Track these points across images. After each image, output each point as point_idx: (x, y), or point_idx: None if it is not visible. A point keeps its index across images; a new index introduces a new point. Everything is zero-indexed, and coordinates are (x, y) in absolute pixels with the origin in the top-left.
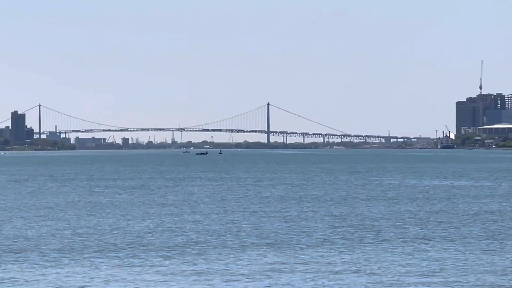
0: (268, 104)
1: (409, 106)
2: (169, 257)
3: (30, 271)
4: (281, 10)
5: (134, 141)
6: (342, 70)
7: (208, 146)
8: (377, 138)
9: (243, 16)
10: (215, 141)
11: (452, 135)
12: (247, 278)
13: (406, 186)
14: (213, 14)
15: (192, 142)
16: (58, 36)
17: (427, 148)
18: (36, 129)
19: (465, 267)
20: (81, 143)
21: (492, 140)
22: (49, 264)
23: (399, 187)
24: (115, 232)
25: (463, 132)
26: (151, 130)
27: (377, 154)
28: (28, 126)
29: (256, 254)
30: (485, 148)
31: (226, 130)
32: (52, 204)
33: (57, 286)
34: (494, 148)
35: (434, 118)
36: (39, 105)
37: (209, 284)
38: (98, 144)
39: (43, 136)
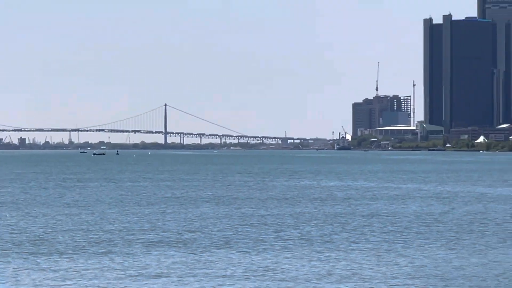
0: (165, 105)
1: (306, 107)
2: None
3: None
4: (176, 8)
5: (31, 141)
6: (238, 71)
7: (105, 147)
8: (274, 139)
9: (138, 14)
10: (112, 142)
11: (349, 137)
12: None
13: (304, 187)
14: (104, 13)
15: (89, 142)
16: None
17: (323, 149)
18: None
19: (361, 268)
20: None
21: (388, 142)
22: None
23: (297, 188)
24: None
25: (359, 133)
26: (47, 130)
27: (273, 155)
28: None
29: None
30: (382, 149)
31: (123, 131)
32: None
33: None
34: (390, 150)
35: (331, 119)
36: None
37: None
38: None
39: None
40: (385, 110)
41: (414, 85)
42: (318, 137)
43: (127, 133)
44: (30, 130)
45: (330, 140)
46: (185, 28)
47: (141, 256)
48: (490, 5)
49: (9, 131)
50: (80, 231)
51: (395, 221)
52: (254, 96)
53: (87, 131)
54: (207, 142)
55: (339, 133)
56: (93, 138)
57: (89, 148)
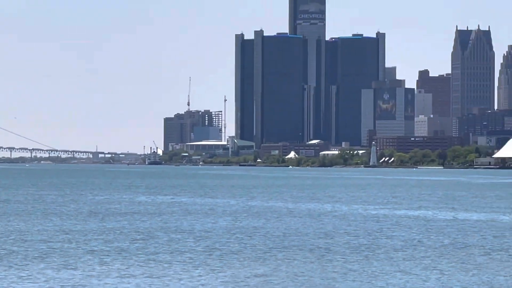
0: None
1: (117, 121)
2: None
3: None
4: None
5: None
6: (37, 82)
7: None
8: (85, 153)
9: None
10: None
11: (160, 151)
12: None
13: (115, 202)
14: None
15: None
16: None
17: (134, 164)
18: None
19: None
20: None
21: (199, 156)
22: None
23: (108, 203)
24: None
25: (170, 148)
26: None
27: (82, 170)
28: None
29: None
30: (193, 164)
31: None
32: None
33: None
34: (201, 165)
35: (143, 134)
36: None
37: None
38: None
39: None
40: (196, 125)
41: (225, 100)
42: (130, 151)
43: None
44: None
45: (141, 155)
46: None
47: None
48: (301, 21)
49: None
50: None
51: (177, 238)
52: (65, 110)
53: None
54: (17, 156)
55: (151, 147)
56: None
57: None
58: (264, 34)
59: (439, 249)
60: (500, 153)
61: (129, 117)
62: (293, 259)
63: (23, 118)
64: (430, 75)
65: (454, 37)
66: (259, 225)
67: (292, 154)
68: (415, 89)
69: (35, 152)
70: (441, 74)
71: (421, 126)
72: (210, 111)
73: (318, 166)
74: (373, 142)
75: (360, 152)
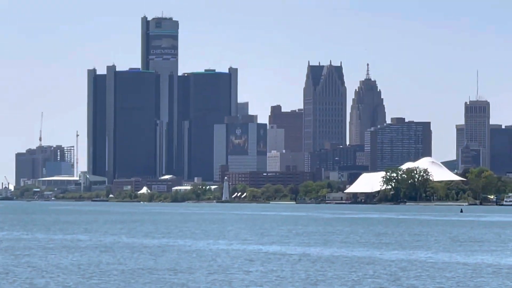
0: None
1: None
2: None
3: None
4: None
5: None
6: None
7: None
8: None
9: None
10: None
11: (12, 187)
12: None
13: None
14: None
15: None
16: None
17: None
18: None
19: None
20: None
21: (51, 192)
22: None
23: None
24: None
25: (22, 183)
26: None
27: None
28: None
29: None
30: (45, 200)
31: None
32: None
33: None
34: (53, 200)
35: None
36: None
37: None
38: None
39: None
40: (48, 160)
41: (77, 135)
42: None
43: None
44: None
45: None
46: None
47: None
48: (154, 57)
49: None
50: None
51: None
52: None
53: None
54: None
55: (2, 183)
56: None
57: None
58: (117, 69)
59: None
60: (352, 188)
61: None
62: None
63: None
64: (283, 110)
65: (306, 73)
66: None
67: (144, 190)
68: (268, 124)
69: None
70: (293, 109)
71: (274, 161)
72: (62, 146)
73: (171, 202)
74: (226, 177)
75: (213, 187)
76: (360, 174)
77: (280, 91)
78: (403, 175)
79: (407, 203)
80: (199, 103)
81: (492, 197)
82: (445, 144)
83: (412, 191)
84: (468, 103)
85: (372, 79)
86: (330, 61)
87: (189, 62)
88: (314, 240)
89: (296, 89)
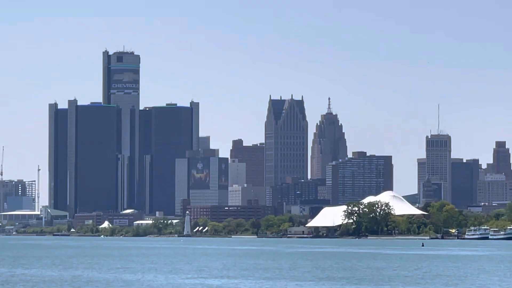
0: None
1: None
2: None
3: None
4: None
5: None
6: None
7: None
8: None
9: None
10: None
11: None
12: None
13: None
14: None
15: None
16: None
17: None
18: None
19: None
20: None
21: (12, 226)
22: None
23: None
24: None
25: None
26: None
27: None
28: None
29: None
30: (6, 234)
31: None
32: None
33: None
34: (14, 235)
35: None
36: None
37: None
38: None
39: None
40: (9, 195)
41: (39, 169)
42: None
43: None
44: None
45: None
46: None
47: None
48: (115, 91)
49: None
50: None
51: None
52: None
53: None
54: None
55: None
56: None
57: None
58: (78, 104)
59: None
60: (313, 222)
61: None
62: None
63: None
64: (244, 144)
65: (267, 107)
66: None
67: (106, 224)
68: (229, 158)
69: None
70: (255, 143)
71: (235, 196)
72: (24, 180)
73: (132, 236)
74: (187, 212)
75: (174, 221)
76: (322, 208)
77: (241, 125)
78: (365, 209)
79: (368, 237)
80: (161, 137)
81: (453, 231)
82: (406, 178)
83: (373, 225)
84: (429, 137)
85: (334, 113)
86: (292, 95)
87: (150, 96)
88: (274, 274)
89: (258, 123)
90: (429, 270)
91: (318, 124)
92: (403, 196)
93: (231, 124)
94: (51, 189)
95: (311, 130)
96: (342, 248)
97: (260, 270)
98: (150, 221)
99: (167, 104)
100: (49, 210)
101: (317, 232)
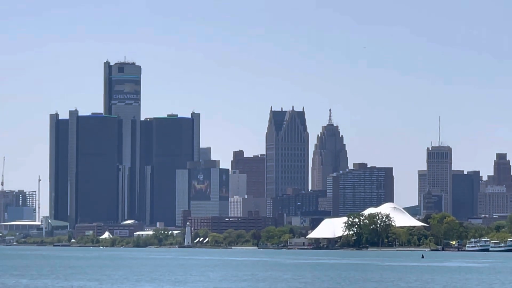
0: None
1: None
2: None
3: None
4: None
5: None
6: None
7: None
8: None
9: None
10: None
11: None
12: None
13: None
14: None
15: None
16: None
17: None
18: None
19: None
20: None
21: (13, 237)
22: None
23: None
24: None
25: None
26: None
27: None
28: None
29: None
30: (6, 245)
31: None
32: None
33: None
34: (15, 245)
35: None
36: None
37: None
38: None
39: None
40: (10, 205)
41: (39, 180)
42: None
43: None
44: None
45: None
46: None
47: None
48: (116, 102)
49: None
50: None
51: None
52: None
53: None
54: None
55: None
56: None
57: None
58: (79, 114)
59: None
60: (314, 234)
61: None
62: None
63: None
64: (245, 155)
65: (268, 118)
66: None
67: (106, 234)
68: (230, 169)
69: None
70: (256, 154)
71: (236, 207)
72: (24, 191)
73: (133, 247)
74: (188, 223)
75: (175, 232)
76: (322, 219)
77: (242, 136)
78: (365, 221)
79: (369, 249)
80: (162, 148)
81: (454, 243)
82: (407, 190)
83: (374, 236)
84: (430, 148)
85: (335, 125)
86: (293, 106)
87: (151, 107)
88: (276, 285)
89: (259, 135)
90: (426, 281)
91: (319, 135)
92: (403, 208)
93: (232, 135)
94: (51, 199)
95: (312, 142)
96: (342, 260)
97: (260, 281)
98: (151, 232)
99: (168, 115)
100: (49, 221)
101: (318, 244)
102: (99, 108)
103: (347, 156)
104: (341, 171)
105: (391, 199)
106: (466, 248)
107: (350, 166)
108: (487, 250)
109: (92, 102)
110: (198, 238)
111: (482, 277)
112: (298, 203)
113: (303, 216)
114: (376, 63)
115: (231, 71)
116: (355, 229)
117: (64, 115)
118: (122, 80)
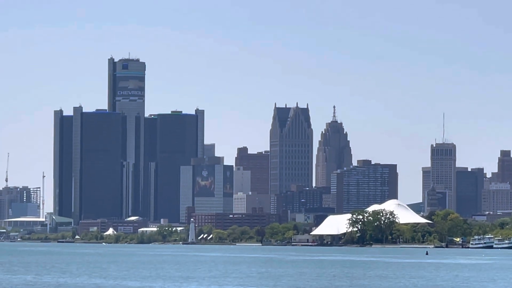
0: None
1: None
2: None
3: None
4: None
5: None
6: None
7: None
8: None
9: None
10: None
11: None
12: None
13: None
14: None
15: None
16: None
17: None
18: None
19: None
20: None
21: (17, 233)
22: None
23: None
24: None
25: None
26: None
27: None
28: None
29: None
30: (11, 241)
31: None
32: None
33: None
34: (19, 241)
35: None
36: None
37: None
38: None
39: None
40: (14, 201)
41: (44, 176)
42: None
43: None
44: None
45: None
46: None
47: None
48: (121, 98)
49: None
50: None
51: None
52: None
53: None
54: None
55: None
56: None
57: None
58: (83, 111)
59: None
60: (318, 230)
61: None
62: None
63: None
64: (249, 152)
65: (272, 115)
66: None
67: (110, 231)
68: (234, 166)
69: None
70: (260, 151)
71: (240, 203)
72: (29, 187)
73: (137, 243)
74: (192, 219)
75: (179, 229)
76: (326, 216)
77: (246, 132)
78: (369, 217)
79: (373, 245)
80: (166, 144)
81: (458, 239)
82: (411, 187)
83: (378, 233)
84: (434, 145)
85: (339, 121)
86: (297, 103)
87: (155, 104)
88: (280, 282)
89: (263, 131)
90: (430, 278)
91: (323, 132)
92: (407, 205)
93: (236, 131)
94: (56, 195)
95: (316, 138)
96: (346, 256)
97: (265, 277)
98: (155, 229)
99: (172, 112)
100: (53, 217)
101: (322, 240)
102: (103, 105)
103: (351, 152)
104: (345, 168)
105: (395, 196)
106: (470, 245)
107: (354, 163)
108: (491, 247)
109: (96, 99)
110: (202, 235)
111: (481, 274)
112: (302, 200)
113: (307, 213)
114: (381, 60)
115: (235, 68)
116: (359, 226)
117: (68, 112)
118: (126, 77)
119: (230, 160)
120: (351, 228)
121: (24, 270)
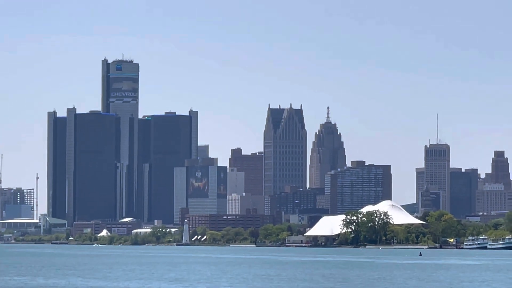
0: None
1: None
2: None
3: None
4: None
5: None
6: None
7: None
8: None
9: None
10: None
11: None
12: None
13: None
14: None
15: None
16: None
17: None
18: None
19: None
20: None
21: (11, 234)
22: None
23: None
24: None
25: None
26: None
27: None
28: None
29: None
30: (4, 242)
31: None
32: None
33: None
34: (13, 243)
35: None
36: None
37: None
38: None
39: None
40: (8, 203)
41: (37, 178)
42: None
43: None
44: None
45: None
46: None
47: None
48: (114, 99)
49: None
50: None
51: None
52: None
53: None
54: None
55: None
56: None
57: None
58: (77, 112)
59: None
60: (312, 231)
61: None
62: None
63: None
64: (243, 153)
65: (266, 116)
66: None
67: (104, 232)
68: (228, 167)
69: None
70: (254, 152)
71: (234, 204)
72: (22, 188)
73: (131, 244)
74: (186, 220)
75: (173, 230)
76: (320, 217)
77: (240, 134)
78: (363, 218)
79: (367, 246)
80: (160, 146)
81: (452, 240)
82: (405, 188)
83: (372, 234)
84: (428, 146)
85: (332, 122)
86: (291, 104)
87: (149, 105)
88: (272, 284)
89: (257, 132)
90: (422, 278)
91: (317, 133)
92: (401, 206)
93: (230, 133)
94: (49, 197)
95: (310, 139)
96: (340, 257)
97: (259, 279)
98: (149, 230)
99: (166, 113)
100: (47, 219)
101: (316, 241)
102: (97, 106)
103: (345, 153)
104: (339, 169)
105: (389, 197)
106: (464, 246)
107: (348, 164)
108: (485, 247)
109: (90, 100)
110: (196, 236)
111: (475, 275)
112: (296, 201)
113: (301, 214)
114: (374, 61)
115: (229, 69)
116: (353, 227)
117: (62, 113)
118: (120, 78)
119: (224, 161)
120: (345, 229)
121: (17, 272)
